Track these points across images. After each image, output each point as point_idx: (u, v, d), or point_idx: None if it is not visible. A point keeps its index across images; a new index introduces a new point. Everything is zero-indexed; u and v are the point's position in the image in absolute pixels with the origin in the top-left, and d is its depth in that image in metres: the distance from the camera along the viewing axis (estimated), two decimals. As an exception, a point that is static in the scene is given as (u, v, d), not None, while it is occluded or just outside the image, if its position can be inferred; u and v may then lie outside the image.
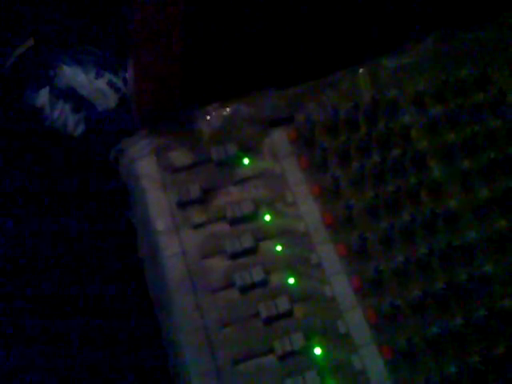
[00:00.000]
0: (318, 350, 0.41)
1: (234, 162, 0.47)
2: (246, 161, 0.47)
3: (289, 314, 0.42)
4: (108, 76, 0.57)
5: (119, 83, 0.57)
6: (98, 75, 0.57)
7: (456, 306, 0.42)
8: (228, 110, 0.48)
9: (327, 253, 0.44)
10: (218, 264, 0.44)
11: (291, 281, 0.43)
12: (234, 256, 0.44)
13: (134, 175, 0.47)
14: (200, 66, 0.50)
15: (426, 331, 0.41)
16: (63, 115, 0.56)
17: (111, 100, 0.57)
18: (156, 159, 0.47)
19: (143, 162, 0.47)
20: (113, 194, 0.51)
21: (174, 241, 0.45)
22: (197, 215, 0.45)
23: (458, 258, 0.43)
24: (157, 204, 0.46)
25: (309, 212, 0.45)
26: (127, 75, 0.55)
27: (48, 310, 0.48)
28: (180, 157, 0.47)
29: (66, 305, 0.48)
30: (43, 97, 0.56)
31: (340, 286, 0.43)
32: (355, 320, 0.42)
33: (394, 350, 0.41)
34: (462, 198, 0.45)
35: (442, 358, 0.40)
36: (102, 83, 0.57)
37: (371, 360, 0.41)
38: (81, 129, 0.56)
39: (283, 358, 0.41)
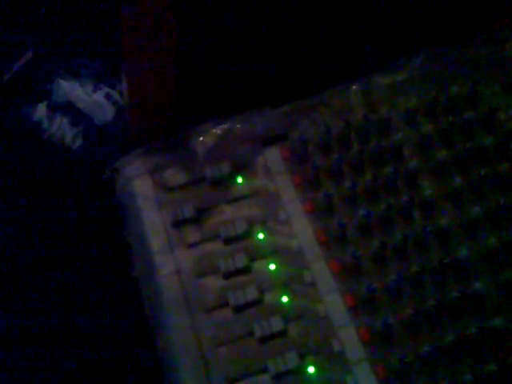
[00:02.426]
0: (311, 369, 0.42)
1: (227, 181, 0.47)
2: (239, 179, 0.47)
3: (283, 333, 0.42)
4: (105, 89, 0.58)
5: (116, 96, 0.58)
6: (96, 88, 0.58)
7: (448, 323, 0.42)
8: (222, 128, 0.49)
9: (320, 271, 0.44)
10: (213, 283, 0.44)
11: (285, 299, 0.44)
12: (228, 275, 0.44)
13: (130, 194, 0.48)
14: (194, 85, 0.50)
15: (418, 350, 0.41)
16: (61, 128, 0.56)
17: (108, 113, 0.57)
18: (151, 179, 0.48)
19: (138, 181, 0.48)
20: (109, 209, 0.52)
21: (169, 260, 0.45)
22: (191, 234, 0.46)
23: (449, 276, 0.43)
24: (152, 223, 0.46)
25: (302, 230, 0.46)
26: (123, 91, 0.56)
27: (42, 334, 0.48)
28: (174, 176, 0.48)
29: (60, 325, 0.48)
30: (41, 110, 0.57)
31: (333, 304, 0.43)
32: (349, 338, 0.42)
33: (387, 368, 0.41)
34: (454, 215, 0.45)
35: (434, 376, 0.41)
36: (99, 96, 0.57)
37: (365, 379, 0.41)
38: (79, 142, 0.56)
39: (277, 377, 0.41)
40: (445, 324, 0.42)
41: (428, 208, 0.45)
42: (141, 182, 0.48)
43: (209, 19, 0.49)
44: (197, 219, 0.46)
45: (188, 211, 0.46)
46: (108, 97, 0.57)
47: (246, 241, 0.45)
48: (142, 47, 0.44)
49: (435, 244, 0.44)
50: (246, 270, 0.44)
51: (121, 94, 0.57)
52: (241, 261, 0.44)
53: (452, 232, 0.45)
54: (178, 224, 0.46)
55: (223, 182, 0.47)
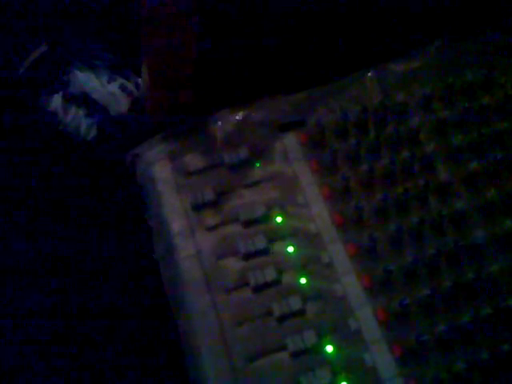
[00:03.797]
0: (329, 348, 0.42)
1: (245, 166, 0.48)
2: (257, 164, 0.48)
3: (301, 312, 0.43)
4: (120, 80, 0.58)
5: (131, 87, 0.58)
6: (111, 79, 0.58)
7: (463, 304, 0.43)
8: (240, 114, 0.50)
9: (338, 253, 0.45)
10: (232, 264, 0.45)
11: (303, 280, 0.44)
12: (248, 257, 0.45)
13: (150, 179, 0.49)
14: (212, 72, 0.51)
15: (434, 330, 0.42)
16: (76, 119, 0.57)
17: (123, 104, 0.58)
18: (171, 164, 0.49)
19: (158, 166, 0.49)
20: (127, 197, 0.52)
21: (189, 242, 0.46)
22: (211, 217, 0.47)
23: (465, 258, 0.44)
24: (172, 207, 0.47)
25: (319, 213, 0.46)
26: (141, 81, 0.57)
27: (62, 312, 0.49)
28: (194, 161, 0.48)
29: (81, 307, 0.49)
30: (57, 101, 0.57)
31: (350, 284, 0.44)
32: (366, 318, 0.43)
33: (404, 347, 0.42)
34: (469, 198, 0.46)
35: (450, 355, 0.41)
36: (114, 87, 0.58)
37: (382, 357, 0.42)
38: (93, 132, 0.57)
39: (296, 355, 0.42)
40: (461, 305, 0.43)
41: (444, 192, 0.46)
42: (161, 167, 0.49)
43: (227, 8, 0.49)
44: (216, 203, 0.47)
45: (208, 195, 0.47)
46: (123, 88, 0.58)
47: (264, 224, 0.46)
48: (163, 34, 0.45)
49: (451, 227, 0.45)
50: (265, 252, 0.45)
51: (135, 85, 0.58)
52: (260, 242, 0.45)
53: (468, 215, 0.45)
54: (197, 207, 0.47)
55: (242, 167, 0.48)
